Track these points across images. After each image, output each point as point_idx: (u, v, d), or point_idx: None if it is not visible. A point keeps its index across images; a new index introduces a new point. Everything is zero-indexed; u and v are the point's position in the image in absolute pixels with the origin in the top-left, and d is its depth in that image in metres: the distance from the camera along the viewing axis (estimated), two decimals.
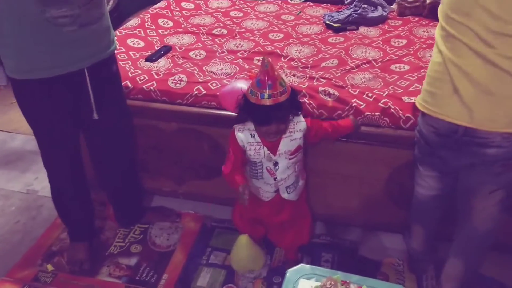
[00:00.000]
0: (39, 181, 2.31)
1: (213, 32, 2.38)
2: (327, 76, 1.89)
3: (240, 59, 2.07)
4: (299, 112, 1.55)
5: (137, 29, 2.33)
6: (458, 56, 1.23)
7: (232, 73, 1.93)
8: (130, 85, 1.86)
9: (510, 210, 1.41)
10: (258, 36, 2.34)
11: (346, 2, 2.73)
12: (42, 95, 1.46)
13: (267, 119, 1.43)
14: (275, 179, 1.57)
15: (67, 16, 1.34)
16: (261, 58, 2.06)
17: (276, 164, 1.54)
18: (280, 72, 1.91)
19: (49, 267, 1.85)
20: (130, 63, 1.99)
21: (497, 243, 1.76)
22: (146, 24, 2.40)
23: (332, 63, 2.02)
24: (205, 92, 1.81)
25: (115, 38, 1.61)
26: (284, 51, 2.15)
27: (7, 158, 2.52)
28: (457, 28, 1.22)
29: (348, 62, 2.03)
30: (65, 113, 1.53)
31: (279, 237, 1.77)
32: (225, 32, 2.38)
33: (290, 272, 1.30)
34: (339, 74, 1.92)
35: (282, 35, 2.35)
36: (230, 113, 1.78)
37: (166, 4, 2.67)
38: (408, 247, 1.74)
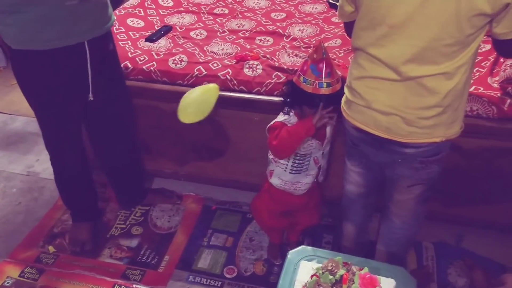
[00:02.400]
0: (40, 163, 2.30)
1: (214, 11, 2.33)
2: (330, 56, 1.84)
3: (242, 39, 2.03)
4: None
5: (136, 9, 2.28)
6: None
7: (234, 53, 1.90)
8: (130, 65, 1.83)
9: (427, 203, 1.40)
10: (260, 16, 2.29)
11: None
12: (41, 68, 1.43)
13: (325, 107, 1.36)
14: (319, 167, 1.54)
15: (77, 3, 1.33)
16: (263, 37, 2.05)
17: (323, 152, 1.52)
18: (286, 51, 1.88)
19: (51, 248, 1.85)
20: (130, 43, 1.96)
21: (497, 224, 1.78)
22: (146, 3, 2.35)
23: (335, 43, 1.98)
24: (206, 72, 1.78)
25: (113, 14, 1.58)
26: (287, 31, 2.11)
27: (8, 140, 2.51)
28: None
29: None
30: (65, 89, 1.51)
31: (298, 219, 1.74)
32: (226, 11, 2.33)
33: (291, 253, 1.29)
34: (342, 54, 1.88)
35: (284, 15, 2.30)
36: (232, 93, 1.75)
37: None
38: (338, 245, 1.71)
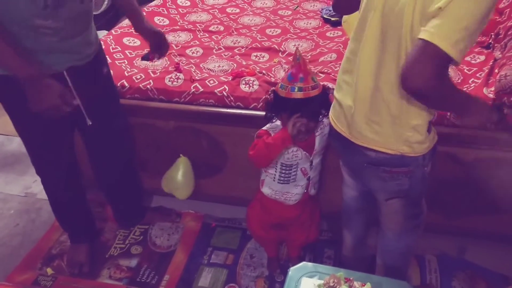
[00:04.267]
0: (37, 184, 2.28)
1: (210, 29, 2.35)
2: (325, 70, 1.86)
3: (238, 56, 2.05)
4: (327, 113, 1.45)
5: (132, 28, 2.29)
6: None
7: (230, 70, 1.91)
8: (126, 84, 1.83)
9: (418, 219, 1.39)
10: (255, 32, 2.31)
11: None
12: (20, 93, 1.36)
13: (295, 112, 1.38)
14: (308, 178, 1.54)
15: (51, 28, 1.30)
16: (259, 54, 2.06)
17: (311, 163, 1.52)
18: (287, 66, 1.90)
19: (49, 270, 1.83)
20: (126, 62, 1.97)
21: (500, 235, 1.76)
22: None
23: (331, 57, 1.99)
24: (202, 89, 1.78)
25: (98, 41, 1.57)
26: (282, 47, 2.13)
27: (4, 161, 2.50)
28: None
29: None
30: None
31: (292, 234, 1.73)
32: (221, 28, 2.35)
33: (293, 270, 1.28)
34: (337, 68, 1.88)
35: (279, 30, 2.33)
36: (228, 110, 1.75)
37: (162, 1, 2.63)
38: (340, 255, 1.69)
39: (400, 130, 1.16)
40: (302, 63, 1.36)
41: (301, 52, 2.04)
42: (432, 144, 1.23)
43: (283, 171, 1.51)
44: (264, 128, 1.50)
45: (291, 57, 2.01)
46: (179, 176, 1.81)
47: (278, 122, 1.48)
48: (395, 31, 1.04)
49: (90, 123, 1.53)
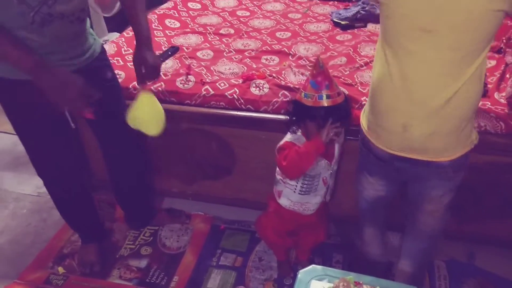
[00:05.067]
0: None
1: (220, 31, 2.36)
2: (336, 74, 1.86)
3: (248, 59, 2.06)
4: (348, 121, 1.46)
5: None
6: None
7: (240, 73, 1.92)
8: (138, 86, 1.85)
9: (452, 209, 1.40)
10: (266, 35, 2.32)
11: None
12: (17, 95, 1.39)
13: (326, 120, 1.36)
14: (327, 187, 1.54)
15: (36, 41, 1.28)
16: (269, 57, 2.07)
17: (332, 171, 1.52)
18: (290, 70, 1.91)
19: (60, 269, 1.85)
20: None
21: (509, 241, 1.75)
22: (153, 25, 2.39)
23: (341, 61, 2.00)
24: (213, 92, 1.80)
25: (97, 44, 1.55)
26: (292, 50, 2.13)
27: (17, 161, 2.54)
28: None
29: (357, 59, 2.00)
30: (45, 117, 1.45)
31: (303, 238, 1.73)
32: (232, 31, 2.37)
33: (302, 273, 1.28)
34: (348, 72, 1.89)
35: (289, 34, 2.33)
36: (238, 112, 1.76)
37: (173, 4, 2.66)
38: (365, 256, 1.64)
39: (467, 133, 1.22)
40: (326, 70, 1.35)
41: (312, 55, 2.06)
42: None
43: (306, 182, 1.49)
44: (286, 139, 1.47)
45: (301, 60, 2.03)
46: (144, 115, 1.53)
47: (299, 133, 1.46)
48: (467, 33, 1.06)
49: (74, 127, 1.51)
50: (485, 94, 1.58)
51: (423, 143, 1.20)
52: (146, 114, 1.53)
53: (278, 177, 1.54)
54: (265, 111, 1.75)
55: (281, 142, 1.46)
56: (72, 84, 1.27)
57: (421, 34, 1.09)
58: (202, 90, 1.81)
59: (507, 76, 1.69)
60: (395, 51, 1.16)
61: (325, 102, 1.34)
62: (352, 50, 2.09)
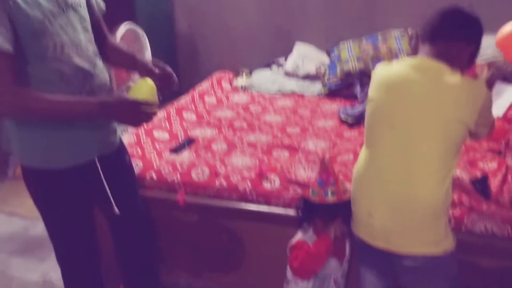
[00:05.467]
0: (56, 272, 2.29)
1: (234, 125, 2.50)
2: (343, 170, 1.94)
3: (260, 152, 2.16)
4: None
5: (162, 122, 2.47)
6: None
7: (252, 166, 2.00)
8: (155, 176, 1.94)
9: None
10: (276, 130, 2.45)
11: (359, 98, 2.88)
12: (56, 186, 1.45)
13: (333, 216, 1.43)
14: (338, 287, 1.53)
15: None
16: (280, 151, 2.18)
17: (343, 271, 1.52)
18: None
19: None
20: (155, 155, 2.09)
21: None
22: (171, 116, 2.55)
23: (349, 157, 2.09)
24: (226, 185, 1.87)
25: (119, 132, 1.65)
26: (301, 145, 2.24)
27: (27, 246, 2.54)
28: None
29: None
30: (81, 207, 1.52)
31: None
32: (245, 125, 2.51)
33: None
34: None
35: (299, 129, 2.46)
36: (250, 207, 1.81)
37: (191, 98, 2.86)
38: None
39: (434, 234, 1.32)
40: (331, 168, 1.44)
41: (321, 150, 2.16)
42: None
43: (317, 283, 1.48)
44: (298, 238, 1.50)
45: (311, 155, 2.12)
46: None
47: (310, 231, 1.49)
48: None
49: (118, 212, 1.57)
50: (488, 197, 1.64)
51: (384, 232, 1.32)
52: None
53: (289, 276, 1.54)
54: (277, 205, 1.81)
55: (293, 241, 1.49)
56: (134, 104, 1.37)
57: (387, 129, 1.31)
58: (216, 182, 1.89)
59: (510, 179, 1.75)
60: (369, 143, 1.38)
61: (330, 199, 1.41)
62: (359, 147, 2.19)
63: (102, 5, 1.60)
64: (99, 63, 1.47)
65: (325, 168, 1.42)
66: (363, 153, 1.43)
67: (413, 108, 1.29)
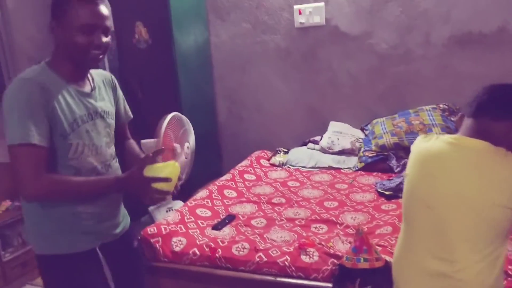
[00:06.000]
0: None
1: (273, 201, 2.60)
2: (382, 243, 1.95)
3: (298, 227, 2.22)
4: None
5: (205, 200, 2.61)
6: None
7: (291, 241, 2.06)
8: (198, 252, 2.03)
9: None
10: (314, 204, 2.51)
11: (396, 170, 2.92)
12: (69, 270, 1.51)
13: (365, 283, 1.48)
14: None
15: (91, 213, 1.51)
16: (318, 225, 2.22)
17: None
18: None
19: None
20: (198, 232, 2.20)
21: None
22: (213, 195, 2.69)
23: (386, 230, 2.10)
24: (266, 259, 1.93)
25: (128, 222, 1.74)
26: (339, 219, 2.28)
27: None
28: None
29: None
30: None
31: None
32: (283, 201, 2.60)
33: None
34: (394, 241, 1.97)
35: (336, 203, 2.52)
36: (290, 280, 1.84)
37: (231, 176, 3.01)
38: None
39: None
40: (365, 236, 1.50)
41: (359, 224, 2.19)
42: None
43: None
44: None
45: (349, 229, 2.16)
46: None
47: None
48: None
49: None
50: None
51: None
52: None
53: None
54: (315, 279, 1.82)
55: None
56: (144, 181, 1.40)
57: (424, 208, 1.25)
58: (256, 257, 1.95)
59: None
60: (407, 221, 1.33)
61: (363, 265, 1.47)
62: (397, 220, 2.19)
63: (130, 114, 1.79)
64: (114, 164, 1.60)
65: (359, 237, 1.48)
66: (401, 233, 1.39)
67: (450, 188, 1.20)
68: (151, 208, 2.89)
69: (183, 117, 2.92)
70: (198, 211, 2.45)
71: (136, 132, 3.68)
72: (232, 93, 3.76)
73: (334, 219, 2.29)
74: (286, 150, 3.45)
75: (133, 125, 3.85)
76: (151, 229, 2.15)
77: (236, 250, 2.00)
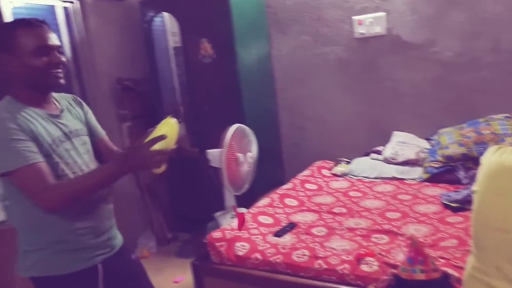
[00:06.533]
0: None
1: (333, 210, 2.62)
2: (446, 256, 1.91)
3: (359, 237, 2.23)
4: None
5: (267, 207, 2.70)
6: None
7: (351, 249, 2.08)
8: (259, 257, 2.12)
9: None
10: (376, 215, 2.50)
11: (463, 182, 2.81)
12: None
13: None
14: None
15: (88, 227, 1.54)
16: (379, 236, 2.22)
17: None
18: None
19: None
20: (261, 238, 2.29)
21: None
22: (274, 203, 2.77)
23: (451, 243, 2.04)
24: (326, 266, 1.97)
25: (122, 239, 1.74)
26: (402, 230, 2.26)
27: None
28: None
29: (469, 242, 2.03)
30: None
31: None
32: (344, 211, 2.61)
33: None
34: (459, 254, 1.92)
35: (399, 214, 2.48)
36: None
37: (292, 185, 3.08)
38: None
39: None
40: (419, 247, 1.50)
41: (419, 236, 2.15)
42: None
43: None
44: None
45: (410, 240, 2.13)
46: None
47: None
48: None
49: None
50: None
51: None
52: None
53: None
54: None
55: None
56: (142, 148, 1.36)
57: (499, 233, 1.11)
58: (315, 264, 1.99)
59: None
60: (477, 245, 1.22)
61: (418, 276, 1.46)
62: (463, 233, 2.13)
63: (103, 133, 1.77)
64: None
65: (414, 248, 1.48)
66: (472, 252, 1.27)
67: None
68: (217, 214, 3.03)
69: (246, 128, 3.07)
70: (260, 218, 2.55)
71: (201, 143, 3.92)
72: (294, 104, 3.84)
73: (396, 230, 2.27)
74: (348, 160, 3.46)
75: (198, 136, 4.10)
76: (216, 234, 2.29)
77: (296, 257, 2.06)
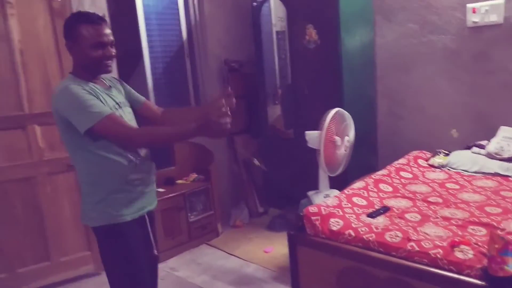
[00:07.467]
0: None
1: (429, 199, 2.63)
2: None
3: (454, 226, 2.23)
4: None
5: (361, 190, 2.79)
6: None
7: (445, 237, 2.11)
8: (352, 234, 2.24)
9: None
10: (474, 208, 2.47)
11: None
12: (129, 235, 1.84)
13: None
14: None
15: (140, 179, 1.87)
16: (476, 227, 2.21)
17: None
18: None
19: None
20: (354, 217, 2.41)
21: None
22: (369, 187, 2.85)
23: None
24: (418, 249, 2.03)
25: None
26: (501, 225, 2.21)
27: (240, 280, 3.13)
28: None
29: None
30: (144, 254, 1.91)
31: None
32: (440, 200, 2.61)
33: None
34: None
35: (500, 210, 2.42)
36: (442, 272, 1.91)
37: (388, 172, 3.12)
38: None
39: None
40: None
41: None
42: None
43: None
44: None
45: (511, 236, 2.09)
46: None
47: None
48: None
49: (156, 253, 2.02)
50: None
51: None
52: None
53: None
54: (468, 275, 1.86)
55: None
56: (223, 122, 1.57)
57: None
58: (408, 246, 2.06)
59: None
60: None
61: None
62: None
63: (144, 99, 2.08)
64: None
65: (504, 242, 1.48)
66: None
67: None
68: (310, 192, 3.21)
69: (345, 112, 3.17)
70: (354, 199, 2.66)
71: (297, 124, 4.11)
72: (393, 92, 3.83)
73: (495, 224, 2.23)
74: (446, 152, 3.39)
75: (297, 118, 4.30)
76: (312, 208, 2.45)
77: (389, 237, 2.15)
